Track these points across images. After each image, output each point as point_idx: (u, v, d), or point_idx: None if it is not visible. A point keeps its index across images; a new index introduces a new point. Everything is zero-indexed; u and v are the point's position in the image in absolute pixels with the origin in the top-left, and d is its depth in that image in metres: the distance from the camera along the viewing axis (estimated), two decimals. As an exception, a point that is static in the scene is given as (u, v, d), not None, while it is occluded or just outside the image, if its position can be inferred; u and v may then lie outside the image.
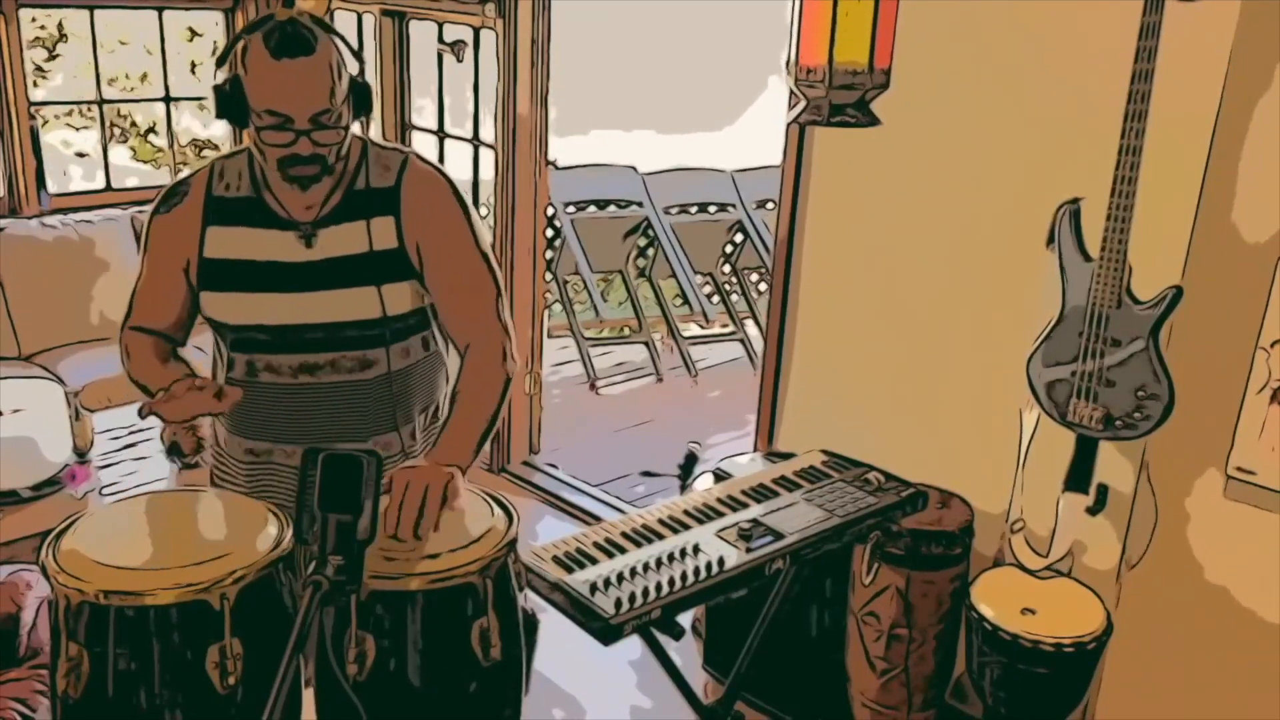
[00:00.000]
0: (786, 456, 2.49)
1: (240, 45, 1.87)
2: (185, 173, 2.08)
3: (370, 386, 2.06)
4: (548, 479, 4.39)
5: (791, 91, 2.18)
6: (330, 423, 2.05)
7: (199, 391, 1.85)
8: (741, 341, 6.16)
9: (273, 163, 1.89)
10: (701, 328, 6.27)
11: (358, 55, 1.96)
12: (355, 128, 1.99)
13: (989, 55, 2.69)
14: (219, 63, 1.94)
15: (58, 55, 8.16)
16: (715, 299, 6.39)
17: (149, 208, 2.08)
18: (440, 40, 4.25)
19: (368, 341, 2.03)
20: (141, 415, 1.88)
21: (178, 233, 2.02)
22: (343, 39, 1.92)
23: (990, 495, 2.72)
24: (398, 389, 2.08)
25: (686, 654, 2.90)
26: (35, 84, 6.06)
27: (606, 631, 1.60)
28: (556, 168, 5.69)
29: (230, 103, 1.88)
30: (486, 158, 4.28)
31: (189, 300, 2.05)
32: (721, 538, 1.83)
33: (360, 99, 1.95)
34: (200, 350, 2.15)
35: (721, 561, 1.76)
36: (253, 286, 1.99)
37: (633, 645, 1.72)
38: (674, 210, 6.26)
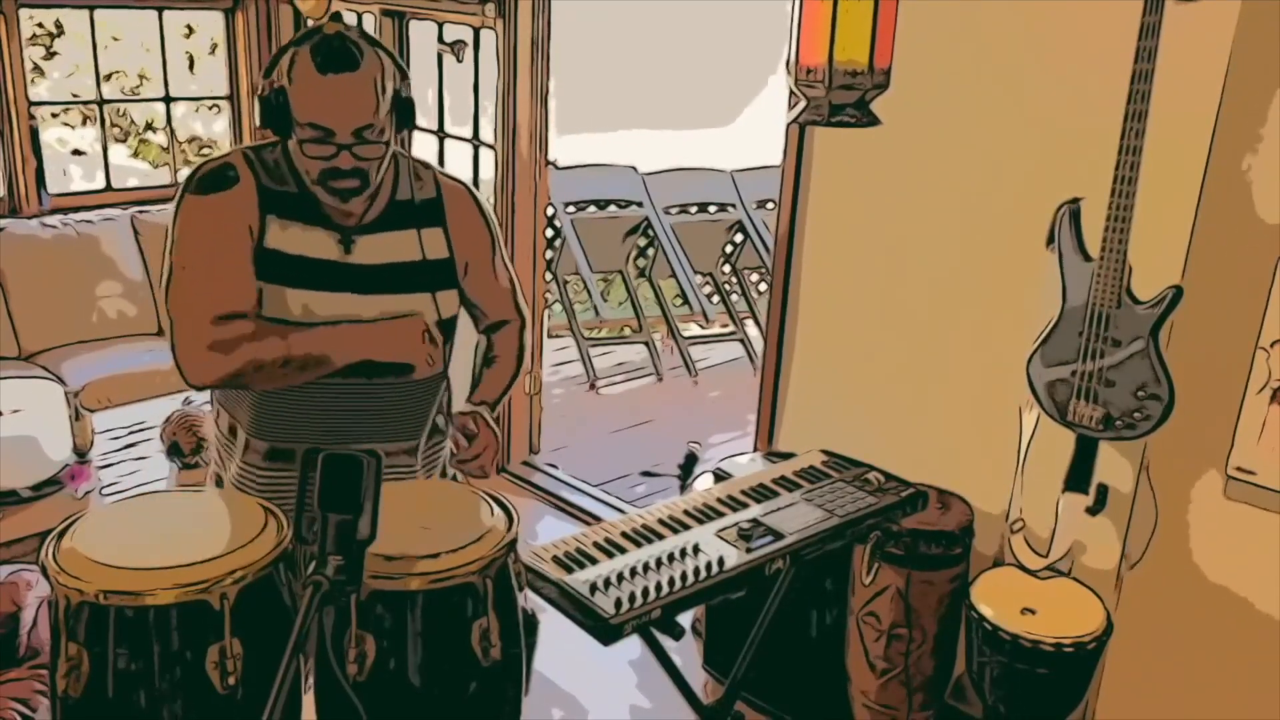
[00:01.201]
0: (786, 456, 2.49)
1: (287, 57, 1.88)
2: (212, 160, 2.00)
3: (417, 388, 2.08)
4: (548, 479, 4.39)
5: (791, 91, 2.18)
6: (376, 424, 2.03)
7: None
8: (741, 341, 6.16)
9: (314, 174, 1.90)
10: (701, 328, 6.27)
11: (402, 70, 1.96)
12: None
13: (989, 55, 2.69)
14: (265, 73, 1.92)
15: (55, 53, 8.15)
16: (715, 299, 6.39)
17: (175, 198, 1.96)
18: (440, 40, 4.25)
19: None
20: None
21: (239, 214, 1.93)
22: (389, 53, 1.93)
23: (990, 495, 2.72)
24: (441, 388, 2.15)
25: (686, 654, 2.90)
26: (33, 82, 6.04)
27: (606, 631, 1.60)
28: (556, 168, 5.68)
29: (274, 113, 1.88)
30: (486, 158, 4.27)
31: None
32: (721, 538, 1.84)
33: (403, 114, 1.95)
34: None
35: (721, 561, 1.76)
36: (309, 283, 1.97)
37: (633, 645, 1.72)
38: (674, 210, 6.26)
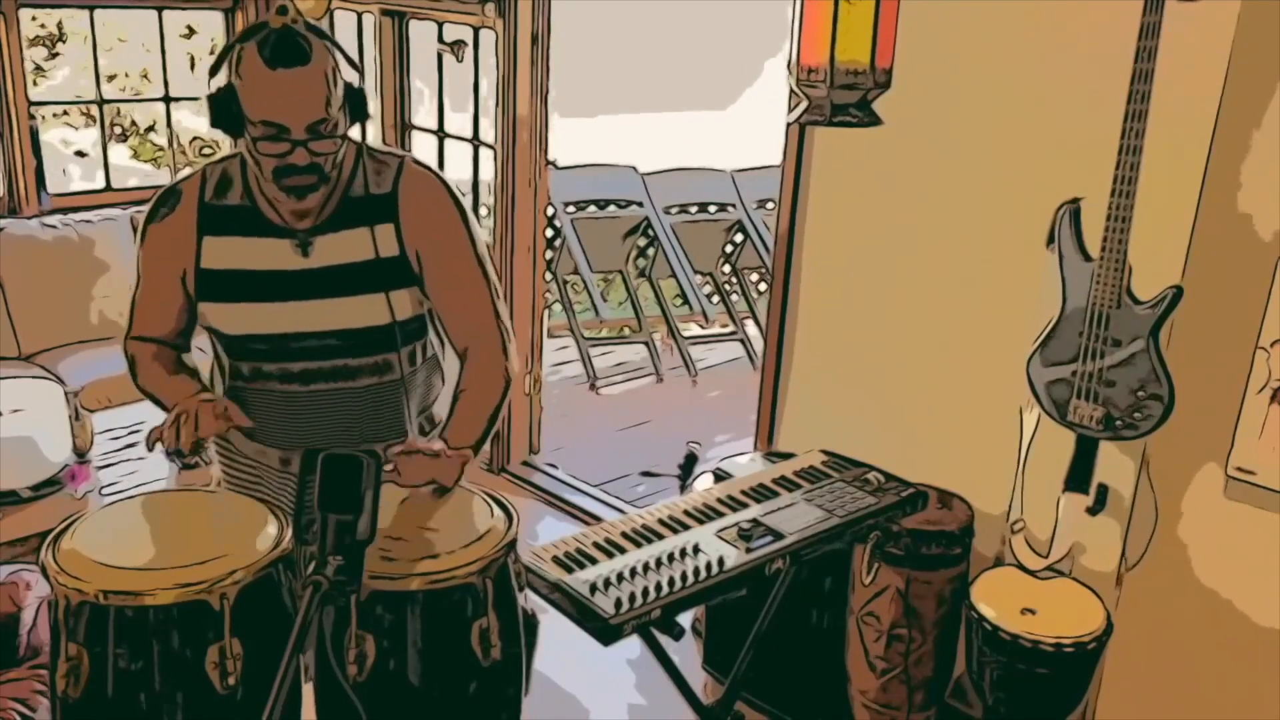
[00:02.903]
0: (786, 456, 2.49)
1: (235, 53, 1.83)
2: (176, 178, 2.05)
3: (385, 390, 2.05)
4: (548, 479, 4.39)
5: (793, 91, 2.18)
6: (345, 429, 2.03)
7: (209, 413, 1.88)
8: (741, 341, 6.16)
9: (268, 172, 1.86)
10: (701, 328, 6.27)
11: (352, 62, 1.92)
12: (352, 133, 1.96)
13: (990, 55, 2.69)
14: (212, 71, 1.89)
15: (58, 54, 8.16)
16: (715, 299, 6.39)
17: (145, 210, 2.05)
18: (440, 40, 4.25)
19: (379, 346, 2.02)
20: (149, 445, 1.88)
21: (172, 242, 1.98)
22: (337, 45, 1.89)
23: (990, 495, 2.72)
24: (409, 391, 2.08)
25: (686, 654, 2.89)
26: (35, 83, 6.05)
27: (606, 631, 1.60)
28: (556, 168, 5.68)
29: (225, 111, 1.84)
30: (486, 158, 4.28)
31: (188, 308, 2.03)
32: (721, 538, 1.83)
33: (356, 105, 1.91)
34: (200, 350, 2.14)
35: (721, 561, 1.76)
36: (253, 296, 1.97)
37: (633, 645, 1.72)
38: (674, 210, 6.26)
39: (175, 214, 1.98)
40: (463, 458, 1.89)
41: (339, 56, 1.88)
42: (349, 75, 1.91)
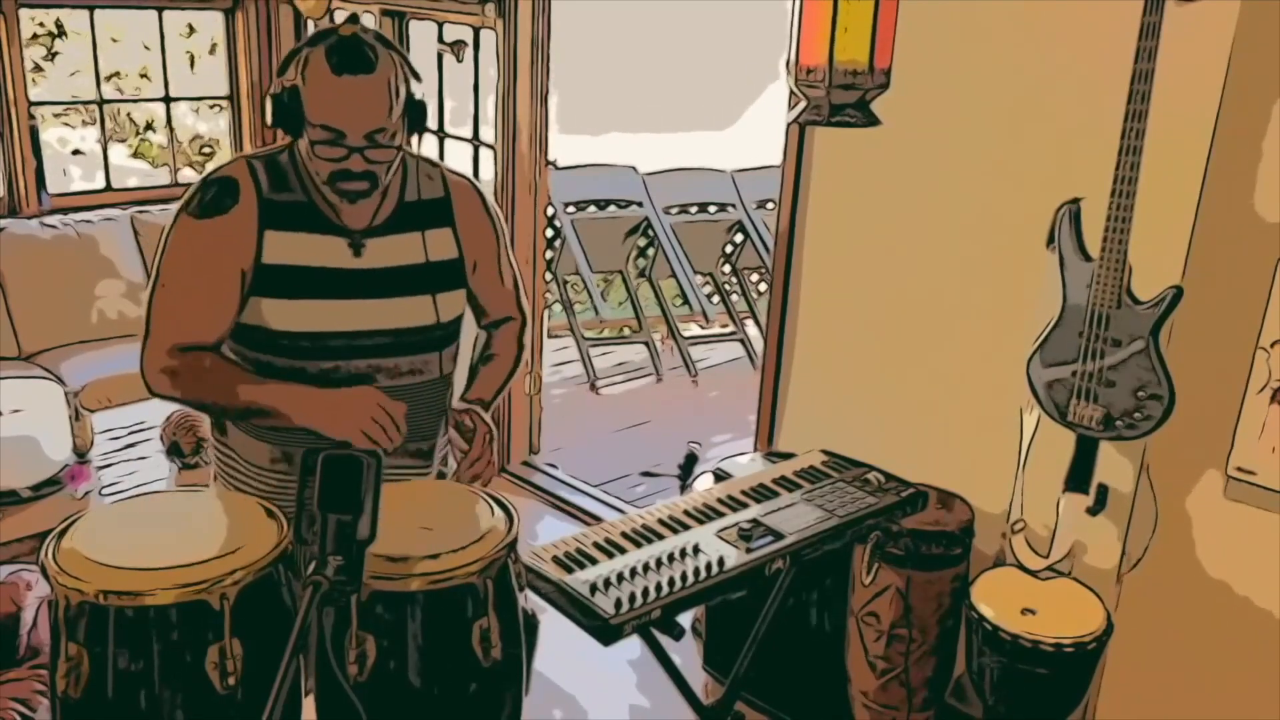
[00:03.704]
0: (786, 456, 2.49)
1: (301, 56, 1.86)
2: (218, 171, 1.97)
3: (426, 389, 2.07)
4: (548, 479, 4.39)
5: (792, 91, 2.18)
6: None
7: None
8: (741, 341, 6.16)
9: (324, 175, 1.89)
10: (701, 328, 6.28)
11: (414, 74, 1.94)
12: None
13: (989, 55, 2.69)
14: (279, 72, 1.90)
15: (57, 53, 8.15)
16: (715, 299, 6.39)
17: (175, 207, 1.96)
18: (440, 40, 4.25)
19: (424, 346, 2.05)
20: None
21: (234, 237, 1.92)
22: (403, 56, 1.91)
23: (990, 495, 2.72)
24: (446, 391, 2.13)
25: (686, 654, 2.89)
26: (34, 82, 6.04)
27: (606, 631, 1.60)
28: (556, 168, 5.68)
29: (286, 112, 1.86)
30: (486, 158, 4.28)
31: (239, 309, 1.95)
32: (721, 538, 1.83)
33: (415, 117, 1.94)
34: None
35: (721, 561, 1.76)
36: (311, 293, 1.95)
37: (633, 645, 1.72)
38: (674, 210, 6.27)
39: (239, 207, 1.92)
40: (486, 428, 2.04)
41: (403, 67, 1.90)
42: (413, 87, 1.93)
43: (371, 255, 1.99)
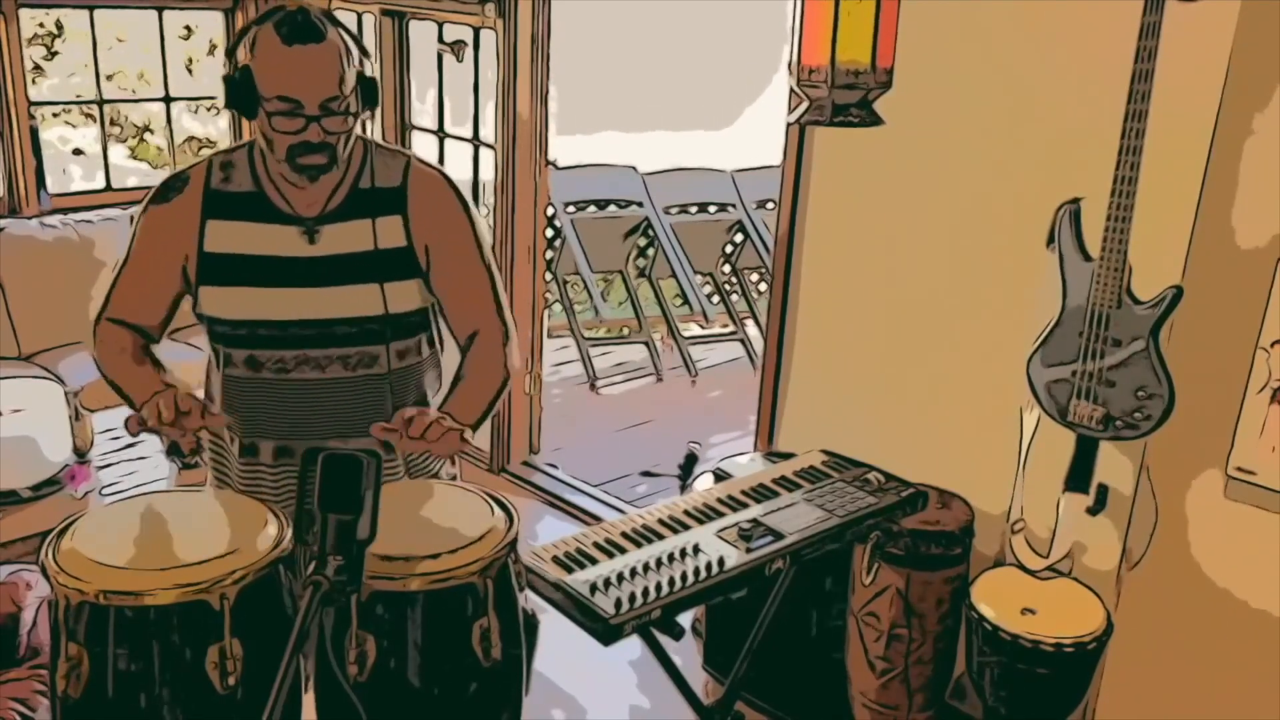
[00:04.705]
0: (786, 456, 2.49)
1: (250, 35, 1.89)
2: (182, 167, 2.08)
3: (370, 383, 2.06)
4: (548, 479, 4.39)
5: (793, 91, 2.18)
6: (328, 419, 2.05)
7: (184, 411, 1.84)
8: (741, 341, 6.16)
9: (281, 151, 1.90)
10: (701, 328, 6.27)
11: (364, 50, 1.97)
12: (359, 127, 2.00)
13: (990, 55, 2.69)
14: (228, 54, 1.95)
15: (57, 53, 8.15)
16: (715, 299, 6.39)
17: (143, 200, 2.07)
18: (440, 40, 4.25)
19: (369, 338, 2.04)
20: (130, 430, 1.86)
21: (175, 225, 2.01)
22: (350, 32, 1.95)
23: (990, 495, 2.72)
24: (397, 387, 2.09)
25: (686, 654, 2.90)
26: (34, 82, 6.05)
27: (606, 631, 1.60)
28: (556, 168, 5.68)
29: (240, 92, 1.89)
30: (486, 158, 4.28)
31: (176, 296, 2.05)
32: (721, 538, 1.83)
33: (367, 91, 1.97)
34: (197, 349, 2.14)
35: (721, 561, 1.76)
36: (254, 281, 1.99)
37: (633, 645, 1.72)
38: (674, 210, 6.26)
39: (181, 198, 2.01)
40: (458, 430, 1.88)
41: (350, 42, 1.93)
42: (364, 65, 1.96)
43: (326, 242, 2.00)
